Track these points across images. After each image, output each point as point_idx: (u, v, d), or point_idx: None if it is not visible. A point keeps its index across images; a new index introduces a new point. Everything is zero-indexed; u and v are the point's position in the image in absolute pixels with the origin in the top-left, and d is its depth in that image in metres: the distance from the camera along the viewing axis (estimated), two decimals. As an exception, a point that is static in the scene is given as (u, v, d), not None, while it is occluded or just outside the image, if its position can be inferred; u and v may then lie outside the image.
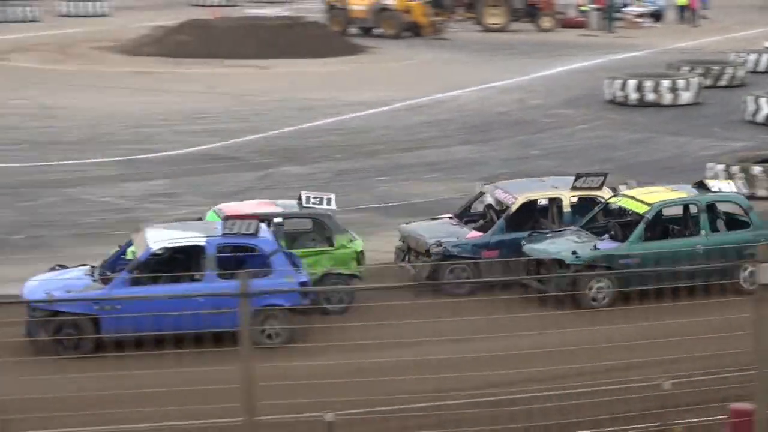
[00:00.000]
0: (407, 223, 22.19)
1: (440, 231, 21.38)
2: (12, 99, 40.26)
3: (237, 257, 18.35)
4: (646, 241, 19.92)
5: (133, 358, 15.21)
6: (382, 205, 27.01)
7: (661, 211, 20.54)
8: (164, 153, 32.34)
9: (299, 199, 20.36)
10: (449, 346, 16.02)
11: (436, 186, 28.51)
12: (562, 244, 19.92)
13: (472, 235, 21.12)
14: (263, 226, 18.77)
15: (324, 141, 34.05)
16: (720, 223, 20.67)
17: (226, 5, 67.86)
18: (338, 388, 14.10)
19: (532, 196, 21.60)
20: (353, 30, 56.97)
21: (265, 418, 10.40)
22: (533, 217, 21.62)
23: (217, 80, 44.94)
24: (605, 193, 21.41)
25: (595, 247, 19.71)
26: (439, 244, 20.79)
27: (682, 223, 20.81)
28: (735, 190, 21.44)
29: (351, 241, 20.09)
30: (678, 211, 21.21)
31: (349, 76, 46.10)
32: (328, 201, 20.23)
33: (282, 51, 50.36)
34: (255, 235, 18.23)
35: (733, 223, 20.73)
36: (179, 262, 18.42)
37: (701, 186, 20.98)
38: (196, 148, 32.92)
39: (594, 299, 19.33)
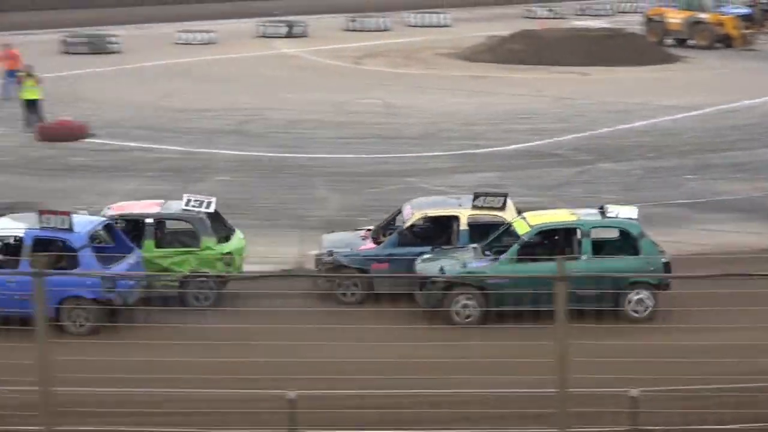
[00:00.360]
0: (330, 232, 20.92)
1: (342, 242, 19.94)
2: (363, 98, 41.07)
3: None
4: (524, 262, 17.95)
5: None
6: (689, 201, 26.32)
7: (542, 232, 18.66)
8: (493, 149, 32.38)
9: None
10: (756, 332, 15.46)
11: (741, 185, 27.58)
12: (443, 261, 18.38)
13: (366, 247, 19.60)
14: (86, 220, 18.38)
15: (637, 141, 33.37)
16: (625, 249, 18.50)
17: (554, 17, 67.44)
18: (646, 367, 13.77)
19: (429, 213, 19.87)
20: (669, 41, 55.72)
21: (575, 391, 10.23)
22: (442, 233, 19.71)
23: (543, 85, 44.67)
24: (508, 214, 19.42)
25: (465, 265, 18.13)
26: (330, 254, 19.49)
27: (567, 246, 18.70)
28: (635, 216, 18.80)
29: (219, 243, 19.13)
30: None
31: (664, 83, 45.05)
32: (208, 204, 19.33)
33: (602, 59, 49.66)
34: (68, 230, 17.72)
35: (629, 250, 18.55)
36: (12, 249, 18.25)
37: (602, 210, 18.95)
38: (522, 145, 32.81)
39: (457, 314, 17.79)
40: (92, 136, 33.08)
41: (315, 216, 24.89)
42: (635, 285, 17.91)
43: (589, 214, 18.86)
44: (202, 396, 12.81)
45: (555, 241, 18.96)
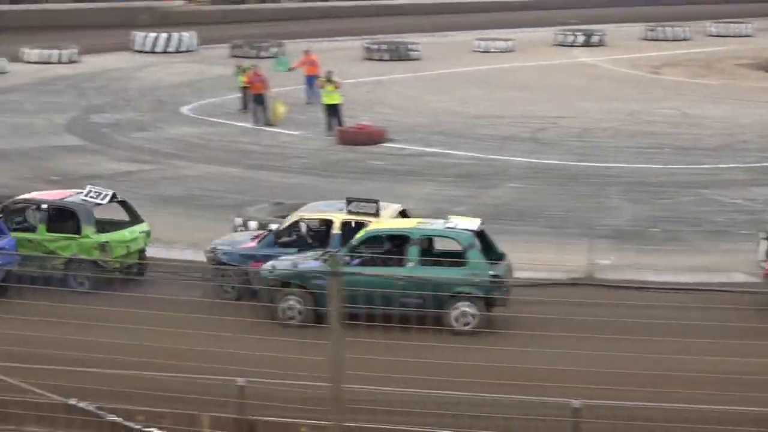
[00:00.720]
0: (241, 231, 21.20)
1: (232, 240, 20.31)
2: (659, 108, 40.39)
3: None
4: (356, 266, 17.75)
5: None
6: None
7: (374, 238, 18.38)
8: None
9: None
10: None
11: None
12: (282, 262, 18.39)
13: (246, 245, 19.70)
14: None
15: None
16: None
17: None
18: None
19: (305, 216, 19.92)
20: None
21: None
22: (320, 236, 19.65)
23: None
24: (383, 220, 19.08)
25: (296, 266, 18.00)
26: (212, 250, 19.80)
27: (401, 253, 18.06)
28: (474, 228, 18.14)
29: (97, 233, 20.00)
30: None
31: None
32: (104, 197, 20.37)
33: None
34: None
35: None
36: None
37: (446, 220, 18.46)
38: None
39: (283, 312, 17.65)
40: (390, 140, 33.75)
41: (606, 225, 24.62)
42: (458, 296, 17.42)
43: (433, 224, 18.58)
44: (486, 401, 12.85)
45: (391, 247, 18.76)
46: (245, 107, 38.27)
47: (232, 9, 75.77)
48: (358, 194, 26.29)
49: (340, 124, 34.58)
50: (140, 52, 56.23)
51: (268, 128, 36.10)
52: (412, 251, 17.83)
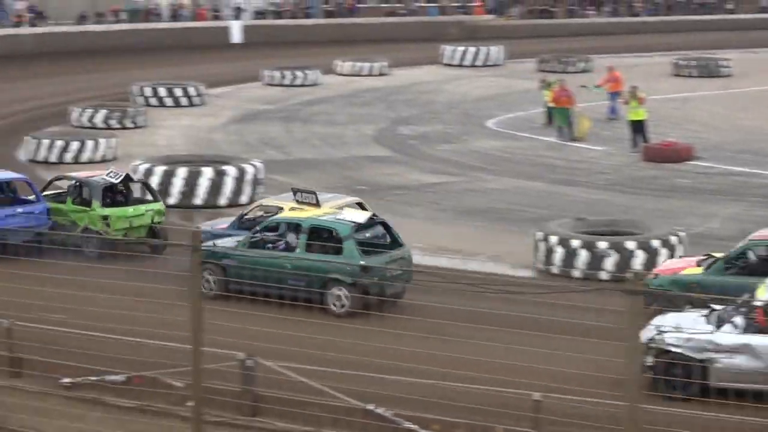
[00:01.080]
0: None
1: (215, 222, 22.57)
2: None
3: None
4: (255, 248, 19.83)
5: None
6: None
7: (275, 225, 20.25)
8: None
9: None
10: None
11: None
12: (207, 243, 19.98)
13: (220, 226, 21.89)
14: None
15: None
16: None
17: None
18: None
19: (263, 203, 22.16)
20: None
21: None
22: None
23: None
24: (323, 210, 20.30)
25: (214, 245, 20.01)
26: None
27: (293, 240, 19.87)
28: (359, 221, 19.46)
29: (101, 207, 22.36)
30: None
31: None
32: (118, 177, 22.98)
33: None
34: None
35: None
36: None
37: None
38: None
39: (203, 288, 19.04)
40: (697, 158, 32.93)
41: None
42: (333, 282, 18.85)
43: (326, 216, 19.86)
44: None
45: (295, 235, 20.00)
46: (550, 122, 38.16)
47: (541, 23, 75.93)
48: (662, 212, 25.94)
49: (645, 140, 34.00)
50: (448, 65, 57.04)
51: (573, 143, 35.87)
52: (301, 239, 19.58)
